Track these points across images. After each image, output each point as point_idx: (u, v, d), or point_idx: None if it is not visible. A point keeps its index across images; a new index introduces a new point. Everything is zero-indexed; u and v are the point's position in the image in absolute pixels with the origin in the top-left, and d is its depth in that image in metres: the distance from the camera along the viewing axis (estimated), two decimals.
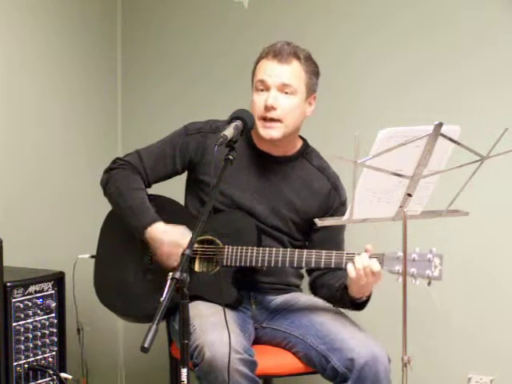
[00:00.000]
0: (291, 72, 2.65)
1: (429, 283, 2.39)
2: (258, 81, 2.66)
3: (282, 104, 2.63)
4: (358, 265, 2.45)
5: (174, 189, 2.85)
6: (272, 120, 2.64)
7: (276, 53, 2.65)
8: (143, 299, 2.69)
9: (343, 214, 2.71)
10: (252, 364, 2.43)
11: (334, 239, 2.75)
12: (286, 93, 2.64)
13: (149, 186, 2.81)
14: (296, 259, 2.58)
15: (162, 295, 1.91)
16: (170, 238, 2.64)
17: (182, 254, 2.00)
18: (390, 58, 3.26)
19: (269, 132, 2.65)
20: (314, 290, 2.78)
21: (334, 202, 2.77)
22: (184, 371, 1.97)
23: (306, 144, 2.81)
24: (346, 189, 2.77)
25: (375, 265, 2.45)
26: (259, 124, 2.64)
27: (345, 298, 2.60)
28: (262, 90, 2.66)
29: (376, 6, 3.28)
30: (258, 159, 2.75)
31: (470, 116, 3.08)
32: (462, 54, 3.15)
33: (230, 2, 3.40)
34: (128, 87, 3.73)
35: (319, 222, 2.40)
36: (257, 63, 2.71)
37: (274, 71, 2.65)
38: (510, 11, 3.08)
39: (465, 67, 3.15)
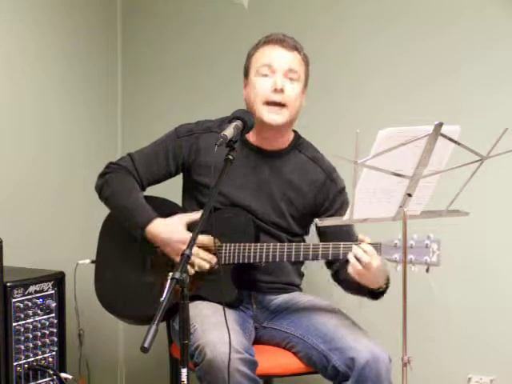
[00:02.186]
0: (295, 59, 2.68)
1: (427, 270, 2.39)
2: (264, 65, 2.66)
3: (288, 89, 2.65)
4: (350, 257, 2.44)
5: (171, 191, 2.85)
6: (278, 104, 2.64)
7: (280, 40, 2.68)
8: (143, 301, 2.68)
9: (342, 202, 2.75)
10: (252, 364, 2.43)
11: (343, 228, 2.70)
12: (291, 79, 2.66)
13: (143, 188, 2.81)
14: (294, 253, 2.58)
15: (161, 296, 1.91)
16: (170, 236, 2.65)
17: (182, 254, 2.00)
18: (391, 58, 3.26)
19: (274, 117, 2.64)
20: (338, 282, 2.75)
21: (330, 192, 2.76)
22: (184, 371, 1.97)
23: (297, 136, 2.81)
24: (343, 178, 2.77)
25: (365, 246, 2.43)
26: (263, 109, 2.64)
27: (363, 289, 2.57)
28: (266, 75, 2.66)
29: (377, 6, 3.28)
30: (252, 155, 2.74)
31: (470, 116, 3.08)
32: (463, 54, 3.15)
33: (229, 2, 3.39)
34: (128, 87, 3.72)
35: (319, 223, 2.40)
36: (255, 51, 2.71)
37: (280, 56, 2.66)
38: (510, 12, 3.08)
39: (465, 67, 3.15)
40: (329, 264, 2.77)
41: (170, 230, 2.66)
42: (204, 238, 2.62)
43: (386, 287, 2.56)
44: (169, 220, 2.69)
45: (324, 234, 2.73)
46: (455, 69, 3.16)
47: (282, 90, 2.63)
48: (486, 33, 3.11)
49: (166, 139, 2.81)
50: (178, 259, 2.62)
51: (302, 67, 2.70)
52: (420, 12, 3.21)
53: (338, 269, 2.72)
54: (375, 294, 2.57)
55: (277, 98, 2.64)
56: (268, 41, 2.70)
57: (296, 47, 2.70)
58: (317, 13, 3.37)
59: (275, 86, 2.63)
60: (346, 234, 2.65)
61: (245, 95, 2.74)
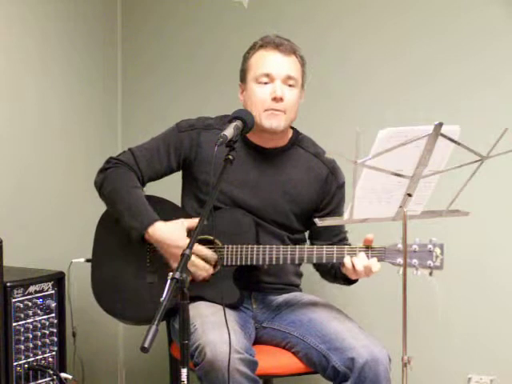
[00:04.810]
0: (293, 64, 2.68)
1: (430, 273, 2.41)
2: (263, 74, 2.65)
3: (287, 96, 2.65)
4: (359, 267, 2.48)
5: (171, 189, 2.84)
6: (277, 110, 2.64)
7: (277, 44, 2.67)
8: (142, 302, 2.68)
9: (341, 197, 2.80)
10: (252, 364, 2.43)
11: (333, 226, 2.76)
12: (289, 85, 2.66)
13: (143, 184, 2.79)
14: (297, 256, 2.59)
15: (161, 296, 1.90)
16: (173, 241, 2.63)
17: (182, 255, 2.00)
18: (391, 57, 3.26)
19: (273, 122, 2.64)
20: (316, 265, 2.81)
21: (331, 187, 2.78)
22: (184, 371, 1.97)
23: (296, 132, 2.81)
24: (344, 173, 2.80)
25: (375, 265, 2.48)
26: (264, 115, 2.64)
27: (339, 275, 2.65)
28: (266, 83, 2.66)
29: (376, 5, 3.28)
30: (252, 153, 2.74)
31: (470, 116, 3.08)
32: (462, 53, 3.15)
33: (229, 2, 3.39)
34: (128, 87, 3.72)
35: (319, 222, 2.40)
36: (251, 55, 2.71)
37: (278, 63, 2.66)
38: (510, 11, 3.08)
39: (465, 67, 3.15)
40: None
41: (172, 235, 2.63)
42: (207, 252, 2.62)
43: None
44: (171, 224, 2.66)
45: (315, 233, 2.80)
46: (455, 68, 3.16)
47: (281, 99, 2.63)
48: (486, 32, 3.11)
49: (167, 134, 2.80)
50: (175, 266, 2.61)
51: (299, 71, 2.70)
52: (420, 11, 3.21)
53: None
54: (351, 281, 2.64)
55: (277, 106, 2.64)
56: (264, 44, 2.69)
57: (293, 50, 2.69)
58: (316, 12, 3.37)
59: (275, 94, 2.63)
60: (335, 230, 2.74)
61: (242, 100, 2.73)
